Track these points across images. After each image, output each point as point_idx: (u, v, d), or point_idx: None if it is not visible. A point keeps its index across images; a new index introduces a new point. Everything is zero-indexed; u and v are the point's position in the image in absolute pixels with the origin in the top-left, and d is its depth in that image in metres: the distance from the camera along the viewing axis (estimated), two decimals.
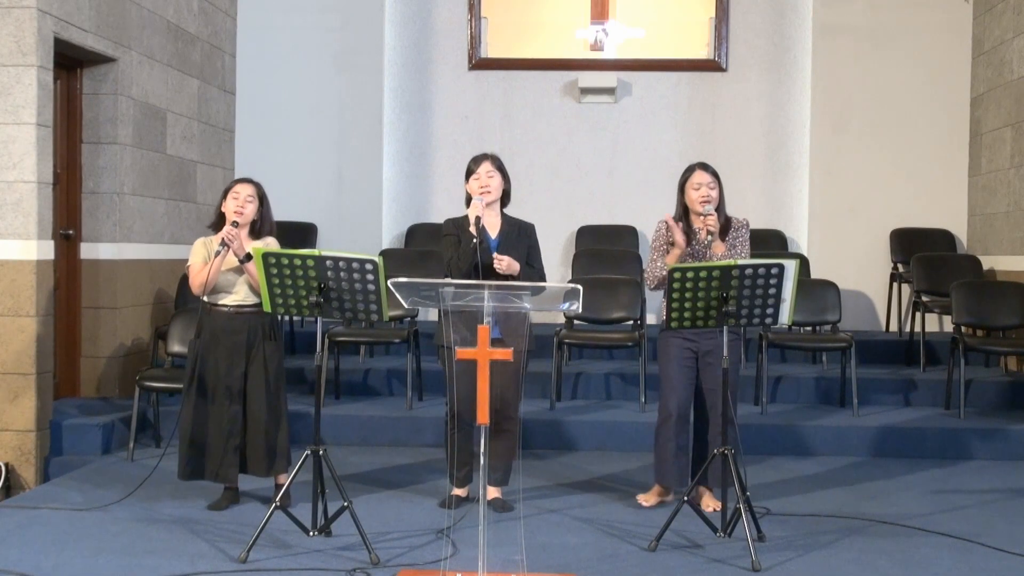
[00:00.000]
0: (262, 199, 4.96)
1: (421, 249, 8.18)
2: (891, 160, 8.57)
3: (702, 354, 4.90)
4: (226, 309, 4.87)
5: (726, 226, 4.89)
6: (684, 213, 4.95)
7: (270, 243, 4.90)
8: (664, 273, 4.89)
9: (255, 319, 4.86)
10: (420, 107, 8.88)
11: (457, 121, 8.86)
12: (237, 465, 4.89)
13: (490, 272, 4.73)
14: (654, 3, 9.13)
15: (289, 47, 8.73)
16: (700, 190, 4.85)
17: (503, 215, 5.01)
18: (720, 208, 4.89)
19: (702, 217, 4.76)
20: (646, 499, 5.06)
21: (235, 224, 4.81)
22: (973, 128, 8.49)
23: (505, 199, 5.01)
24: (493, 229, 4.94)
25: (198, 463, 4.90)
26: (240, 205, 4.86)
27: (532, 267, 4.96)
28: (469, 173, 4.94)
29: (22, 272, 5.79)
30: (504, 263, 4.71)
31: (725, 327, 4.48)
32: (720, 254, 4.77)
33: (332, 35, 8.75)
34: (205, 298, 4.86)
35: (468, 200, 4.95)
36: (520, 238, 4.96)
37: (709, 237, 4.73)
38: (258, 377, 4.87)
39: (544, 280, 4.90)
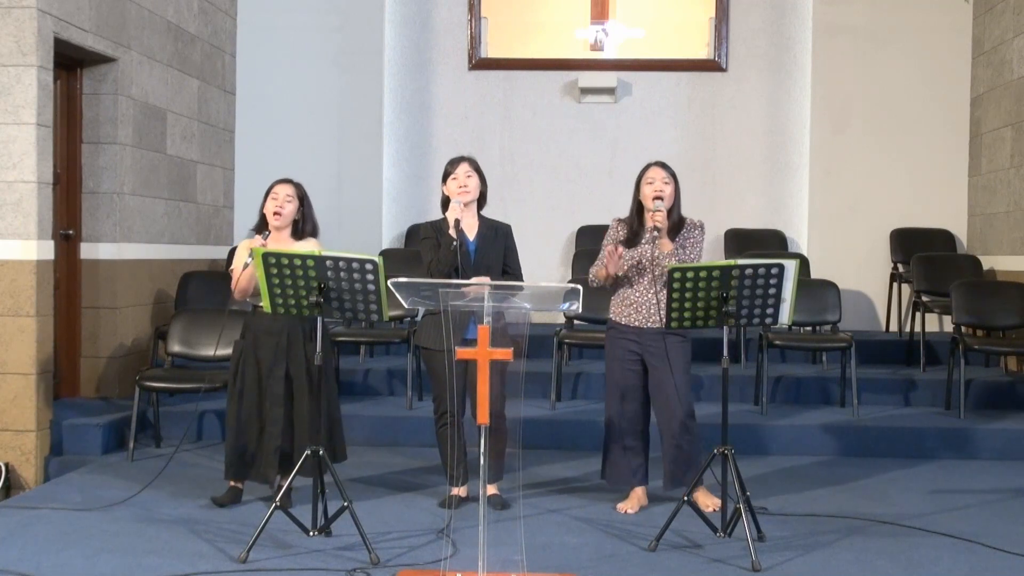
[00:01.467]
0: (302, 198, 4.97)
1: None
2: (891, 160, 8.57)
3: (647, 355, 4.89)
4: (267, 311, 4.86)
5: (679, 225, 4.91)
6: (639, 210, 4.96)
7: (312, 244, 4.89)
8: (596, 285, 4.95)
9: (295, 320, 4.83)
10: (420, 107, 8.89)
11: (457, 121, 8.86)
12: (276, 466, 4.86)
13: (469, 275, 4.77)
14: (654, 3, 9.12)
15: (289, 47, 8.72)
16: (653, 184, 4.87)
17: (480, 217, 5.04)
18: (675, 207, 4.91)
19: (651, 213, 4.78)
20: (628, 506, 4.97)
21: (266, 235, 4.80)
22: (973, 128, 8.49)
23: (482, 201, 5.04)
24: (471, 231, 4.96)
25: (242, 464, 4.91)
26: (279, 205, 4.87)
27: (508, 272, 4.99)
28: (446, 175, 4.98)
29: (22, 272, 5.79)
30: (472, 289, 4.55)
31: (725, 327, 4.48)
32: (667, 251, 4.78)
33: (332, 35, 8.75)
34: (248, 300, 4.90)
35: (445, 202, 4.98)
36: (497, 239, 5.00)
37: (655, 233, 4.74)
38: (300, 379, 4.86)
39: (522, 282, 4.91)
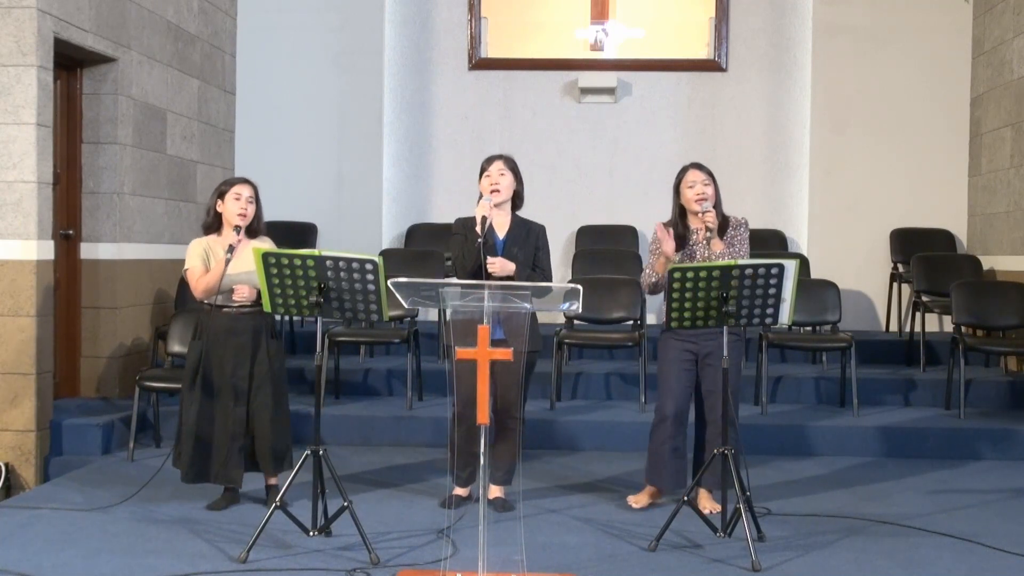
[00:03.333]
0: (257, 198, 4.96)
1: (421, 249, 8.18)
2: (891, 160, 8.57)
3: (702, 356, 4.88)
4: (229, 310, 4.87)
5: (724, 224, 4.88)
6: (681, 214, 4.94)
7: (268, 243, 4.90)
8: (653, 280, 4.89)
9: (258, 319, 4.86)
10: (420, 107, 8.88)
11: (457, 121, 8.86)
12: (242, 466, 4.87)
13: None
14: (654, 3, 9.12)
15: (289, 47, 8.73)
16: (695, 188, 4.85)
17: (514, 215, 5.00)
18: (717, 206, 4.88)
19: (700, 215, 4.76)
20: (637, 500, 5.02)
21: (237, 229, 4.81)
22: (973, 128, 8.49)
23: (517, 201, 5.00)
24: (501, 229, 4.93)
25: (203, 465, 4.88)
26: (243, 207, 4.86)
27: (537, 269, 4.95)
28: (482, 172, 4.95)
29: (22, 272, 5.79)
30: (496, 265, 4.72)
31: (725, 327, 4.48)
32: (719, 252, 4.76)
33: (332, 35, 8.75)
34: (206, 300, 4.87)
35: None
36: (528, 239, 4.96)
37: (708, 234, 4.72)
38: (263, 377, 4.87)
39: (550, 282, 4.90)
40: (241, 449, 4.86)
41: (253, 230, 4.93)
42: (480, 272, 4.71)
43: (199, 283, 4.86)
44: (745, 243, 4.91)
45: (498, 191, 4.87)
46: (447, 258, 7.38)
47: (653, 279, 4.90)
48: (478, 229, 4.74)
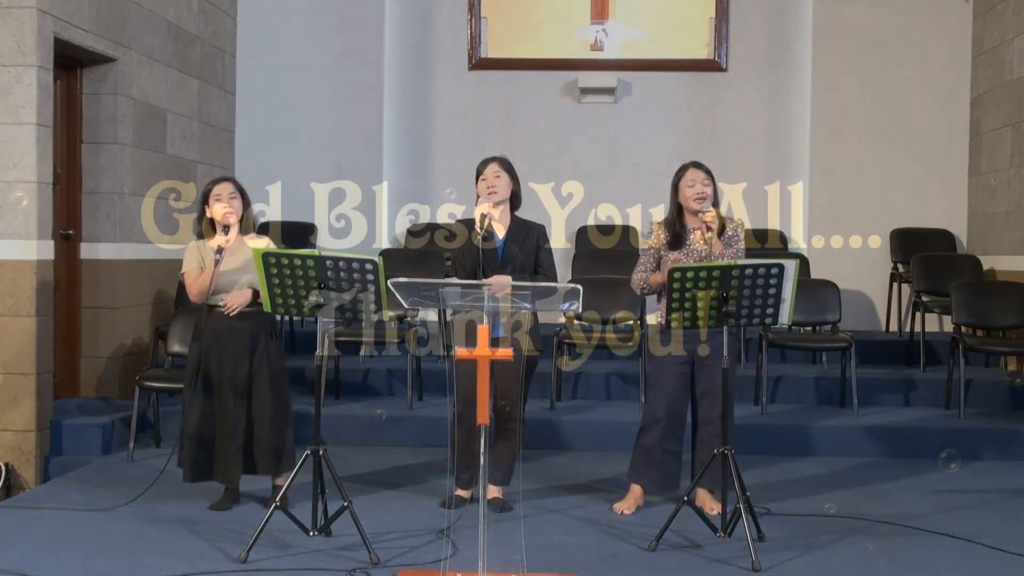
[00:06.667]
0: (243, 193, 4.96)
1: (421, 249, 8.18)
2: (891, 160, 8.57)
3: (698, 357, 4.87)
4: (227, 310, 4.88)
5: (722, 225, 4.88)
6: (678, 213, 4.93)
7: (265, 240, 4.92)
8: (643, 288, 4.87)
9: (257, 320, 4.86)
10: (420, 107, 8.88)
11: (457, 121, 8.86)
12: (240, 466, 4.89)
13: (494, 271, 4.75)
14: (654, 3, 9.11)
15: (289, 47, 8.72)
16: (695, 187, 4.83)
17: (513, 216, 5.01)
18: (716, 207, 4.87)
19: (700, 214, 4.75)
20: (625, 507, 4.95)
21: (225, 229, 4.81)
22: (973, 128, 8.48)
23: (516, 201, 5.01)
24: (501, 230, 4.94)
25: (205, 464, 4.90)
26: (227, 205, 4.86)
27: (540, 270, 4.95)
28: (478, 175, 4.96)
29: (22, 272, 5.79)
30: (494, 286, 4.63)
31: (725, 327, 4.48)
32: (718, 252, 4.75)
33: (332, 35, 8.75)
34: (199, 302, 4.89)
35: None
36: (528, 239, 4.96)
37: (709, 234, 4.71)
38: (262, 377, 4.88)
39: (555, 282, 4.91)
40: (239, 449, 4.86)
41: (245, 226, 4.93)
42: (479, 271, 4.72)
43: (192, 286, 4.89)
44: (741, 243, 4.91)
45: (495, 192, 4.88)
46: (447, 258, 7.38)
47: (644, 287, 4.92)
48: (477, 227, 4.75)
